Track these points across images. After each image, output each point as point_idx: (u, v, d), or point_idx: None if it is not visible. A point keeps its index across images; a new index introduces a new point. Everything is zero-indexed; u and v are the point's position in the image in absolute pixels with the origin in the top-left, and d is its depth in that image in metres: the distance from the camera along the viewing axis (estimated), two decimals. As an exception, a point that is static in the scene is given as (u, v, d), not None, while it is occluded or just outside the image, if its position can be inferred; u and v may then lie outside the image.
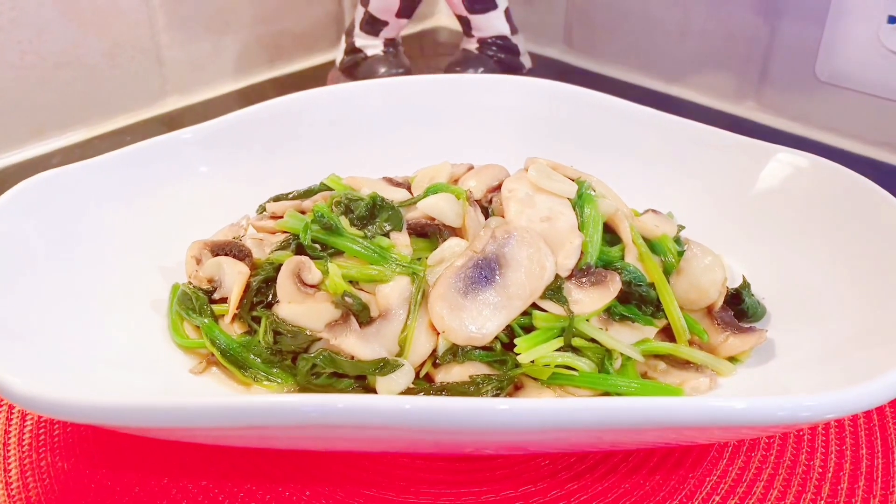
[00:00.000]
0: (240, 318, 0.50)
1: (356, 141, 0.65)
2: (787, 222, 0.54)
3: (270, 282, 0.49)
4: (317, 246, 0.49)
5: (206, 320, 0.50)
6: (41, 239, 0.49)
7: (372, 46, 0.85)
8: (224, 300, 0.51)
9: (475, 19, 0.84)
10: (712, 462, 0.46)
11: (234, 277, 0.50)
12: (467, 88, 0.68)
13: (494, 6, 0.83)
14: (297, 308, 0.47)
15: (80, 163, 0.54)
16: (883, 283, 0.47)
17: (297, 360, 0.47)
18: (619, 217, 0.51)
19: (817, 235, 0.52)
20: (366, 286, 0.48)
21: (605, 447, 0.45)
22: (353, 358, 0.45)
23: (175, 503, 0.44)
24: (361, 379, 0.46)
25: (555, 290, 0.47)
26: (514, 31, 0.85)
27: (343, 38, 0.87)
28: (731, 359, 0.49)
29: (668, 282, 0.49)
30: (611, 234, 0.51)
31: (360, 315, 0.46)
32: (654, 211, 0.55)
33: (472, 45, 0.85)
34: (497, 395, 0.45)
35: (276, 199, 0.58)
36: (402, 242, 0.49)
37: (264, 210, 0.58)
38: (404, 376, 0.45)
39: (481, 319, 0.45)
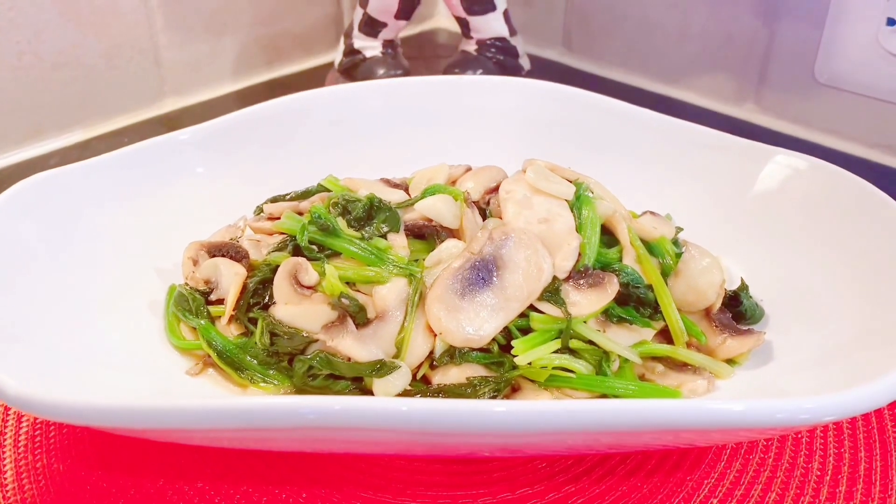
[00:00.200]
0: (236, 319, 0.50)
1: (354, 142, 0.65)
2: (786, 224, 0.54)
3: (267, 283, 0.49)
4: (314, 247, 0.49)
5: (202, 322, 0.49)
6: (38, 239, 0.49)
7: (371, 48, 0.85)
8: (221, 301, 0.51)
9: (474, 21, 0.84)
10: (710, 464, 0.46)
11: (230, 279, 0.50)
12: (466, 90, 0.68)
13: (493, 8, 0.83)
14: (294, 309, 0.47)
15: (78, 163, 0.54)
16: (881, 285, 0.46)
17: (293, 362, 0.47)
18: (617, 219, 0.51)
19: (816, 237, 0.52)
20: (363, 288, 0.48)
21: (602, 449, 0.45)
22: (349, 360, 0.45)
23: (171, 505, 0.44)
24: (358, 381, 0.46)
25: (552, 292, 0.46)
26: (512, 32, 0.85)
27: (342, 39, 0.87)
28: (730, 361, 0.48)
29: (666, 284, 0.49)
30: (608, 236, 0.51)
31: (357, 317, 0.46)
32: (652, 213, 0.55)
33: (470, 47, 0.85)
34: (494, 397, 0.45)
35: (274, 200, 0.58)
36: (399, 244, 0.49)
37: (261, 211, 0.57)
38: (401, 378, 0.45)
39: (478, 321, 0.45)
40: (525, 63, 0.87)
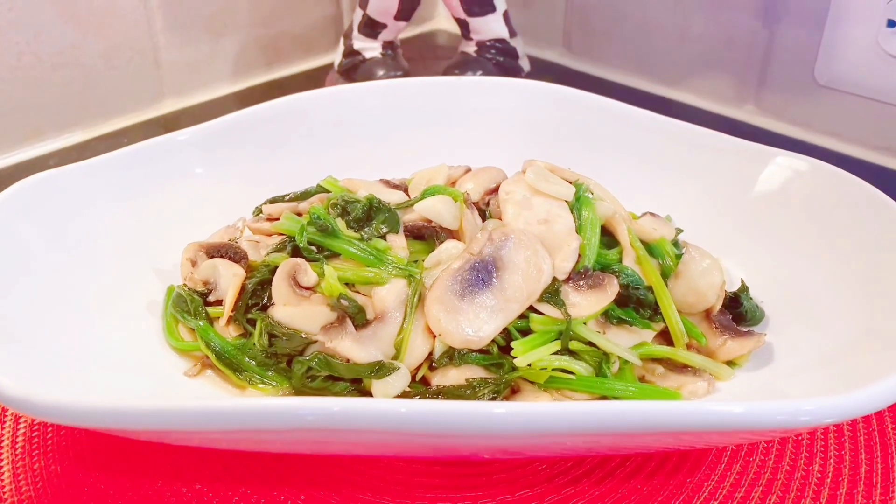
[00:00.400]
0: (235, 320, 0.50)
1: (353, 143, 0.65)
2: (786, 226, 0.54)
3: (266, 284, 0.49)
4: (313, 248, 0.49)
5: (200, 323, 0.49)
6: (36, 240, 0.49)
7: (370, 49, 0.85)
8: (219, 302, 0.51)
9: (473, 22, 0.84)
10: (710, 466, 0.46)
11: (229, 279, 0.50)
12: (465, 91, 0.68)
13: (493, 9, 0.83)
14: (293, 310, 0.47)
15: (76, 164, 0.54)
16: (882, 287, 0.46)
17: (292, 363, 0.47)
18: (617, 220, 0.50)
19: (816, 239, 0.52)
20: (362, 289, 0.48)
21: (602, 451, 0.45)
22: (348, 361, 0.45)
23: (169, 507, 0.44)
24: (357, 382, 0.46)
25: (552, 293, 0.46)
26: (512, 34, 0.85)
27: (341, 40, 0.87)
28: (730, 363, 0.48)
29: (666, 285, 0.49)
30: (608, 237, 0.51)
31: (356, 318, 0.46)
32: (652, 214, 0.55)
33: (470, 48, 0.85)
34: (494, 399, 0.44)
35: (273, 200, 0.58)
36: (398, 245, 0.49)
37: (260, 212, 0.57)
38: (400, 379, 0.45)
39: (478, 322, 0.45)
40: (525, 64, 0.87)
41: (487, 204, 0.53)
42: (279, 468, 0.46)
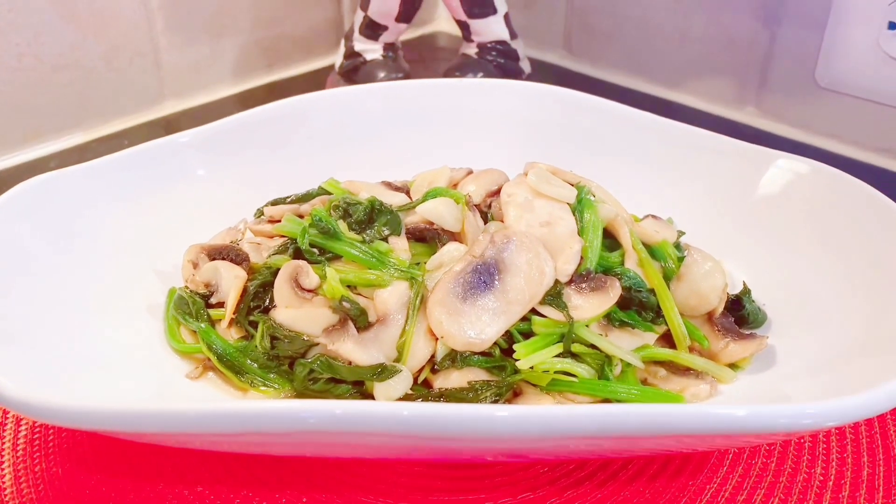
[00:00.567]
0: (237, 322, 0.50)
1: (355, 145, 0.65)
2: (788, 228, 0.54)
3: (268, 286, 0.49)
4: (315, 250, 0.49)
5: (202, 325, 0.49)
6: (37, 242, 0.49)
7: (371, 51, 0.85)
8: (221, 304, 0.51)
9: (474, 24, 0.84)
10: (712, 469, 0.46)
11: (231, 282, 0.50)
12: (466, 93, 0.68)
13: (494, 11, 0.83)
14: (295, 313, 0.47)
15: (77, 166, 0.54)
16: (885, 289, 0.46)
17: (294, 366, 0.47)
18: (619, 222, 0.50)
19: (818, 241, 0.52)
20: (364, 291, 0.47)
21: (604, 454, 0.45)
22: (350, 363, 0.45)
23: (170, 509, 0.44)
24: (359, 385, 0.46)
25: (554, 296, 0.46)
26: (513, 35, 0.85)
27: (342, 42, 0.87)
28: (732, 365, 0.48)
29: (668, 287, 0.49)
30: (610, 240, 0.51)
31: (358, 320, 0.46)
32: (653, 216, 0.54)
33: (471, 50, 0.85)
34: (496, 402, 0.44)
35: (274, 202, 0.58)
36: (400, 247, 0.49)
37: (262, 214, 0.57)
38: (402, 382, 0.45)
39: (480, 325, 0.45)
40: (526, 66, 0.87)
41: (489, 206, 0.53)
42: (281, 471, 0.46)
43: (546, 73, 0.97)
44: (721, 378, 0.47)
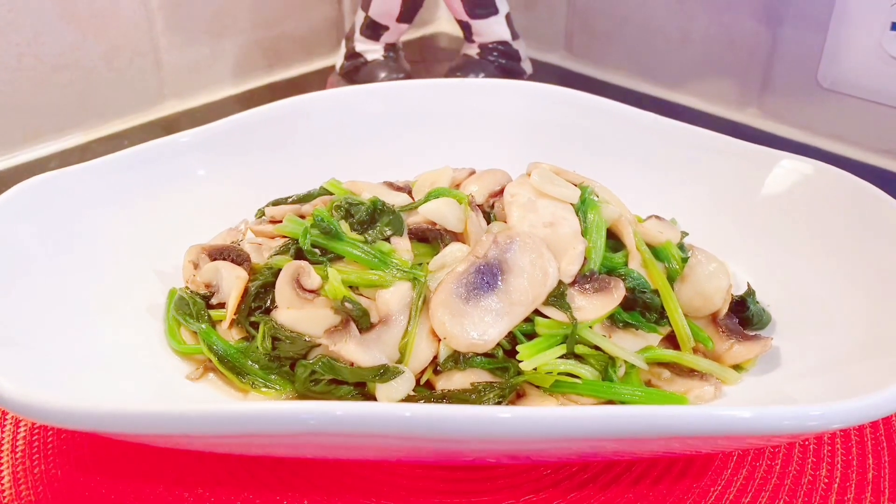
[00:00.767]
0: (238, 323, 0.49)
1: (357, 145, 0.65)
2: (793, 229, 0.54)
3: (269, 287, 0.49)
4: (316, 251, 0.49)
5: (203, 326, 0.49)
6: (37, 242, 0.49)
7: (372, 51, 0.85)
8: (222, 305, 0.50)
9: (476, 24, 0.83)
10: (716, 471, 0.46)
11: (231, 282, 0.50)
12: (469, 93, 0.68)
13: (495, 11, 0.83)
14: (296, 313, 0.46)
15: (77, 165, 0.53)
16: (891, 290, 0.46)
17: (295, 367, 0.46)
18: (623, 223, 0.50)
19: (823, 242, 0.52)
20: (366, 292, 0.47)
21: (608, 456, 0.44)
22: (352, 364, 0.45)
23: (170, 512, 0.43)
24: (361, 386, 0.45)
25: (558, 297, 0.46)
26: (515, 36, 0.85)
27: (343, 42, 0.87)
28: (737, 367, 0.48)
29: (673, 288, 0.49)
30: (614, 241, 0.51)
31: (360, 321, 0.46)
32: (657, 217, 0.54)
33: (472, 51, 0.85)
34: (499, 403, 0.44)
35: (276, 203, 0.58)
36: (402, 247, 0.49)
37: (263, 214, 0.57)
38: (405, 383, 0.44)
39: (483, 326, 0.44)
40: (527, 67, 0.86)
41: (492, 206, 0.53)
42: (282, 472, 0.45)
43: (547, 73, 0.96)
44: (725, 380, 0.47)
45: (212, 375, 0.48)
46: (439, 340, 0.45)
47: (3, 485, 0.45)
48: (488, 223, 0.51)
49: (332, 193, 0.55)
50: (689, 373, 0.47)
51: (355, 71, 0.85)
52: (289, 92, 0.66)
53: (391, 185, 0.56)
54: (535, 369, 0.44)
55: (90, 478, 0.45)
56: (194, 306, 0.50)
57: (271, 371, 0.47)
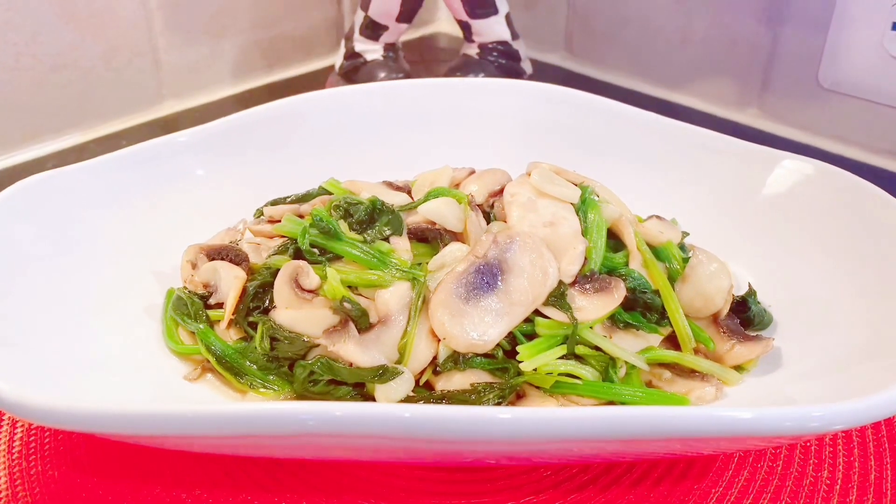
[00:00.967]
0: (236, 323, 0.49)
1: (356, 144, 0.65)
2: (794, 229, 0.53)
3: (267, 287, 0.48)
4: (315, 250, 0.48)
5: (201, 326, 0.49)
6: (34, 242, 0.49)
7: (372, 51, 0.85)
8: (220, 305, 0.50)
9: (476, 24, 0.83)
10: (717, 473, 0.45)
11: (230, 282, 0.49)
12: (467, 93, 0.67)
13: (495, 11, 0.83)
14: (295, 314, 0.46)
15: (74, 165, 0.53)
16: (893, 291, 0.46)
17: (294, 367, 0.46)
18: (624, 223, 0.50)
19: (825, 242, 0.51)
20: (365, 292, 0.47)
21: (608, 457, 0.44)
22: (351, 365, 0.44)
23: (168, 513, 0.43)
24: (360, 387, 0.45)
25: (558, 297, 0.46)
26: (514, 36, 0.84)
27: (342, 42, 0.87)
28: (738, 367, 0.48)
29: (673, 289, 0.49)
30: (615, 241, 0.50)
31: (359, 321, 0.46)
32: (658, 217, 0.54)
33: (472, 51, 0.85)
34: (499, 404, 0.44)
35: (274, 202, 0.57)
36: (402, 247, 0.48)
37: (262, 214, 0.57)
38: (404, 384, 0.44)
39: (483, 326, 0.44)
40: (527, 67, 0.86)
41: (492, 206, 0.53)
42: (280, 474, 0.45)
43: (547, 74, 0.96)
44: (727, 380, 0.47)
45: (210, 376, 0.48)
46: (439, 341, 0.45)
47: (-1, 486, 0.44)
48: (488, 223, 0.51)
49: (330, 193, 0.55)
50: (690, 373, 0.47)
51: (355, 71, 0.85)
52: (288, 92, 0.66)
53: (390, 185, 0.56)
54: (535, 370, 0.44)
55: (87, 479, 0.45)
56: (192, 306, 0.50)
57: (270, 371, 0.47)
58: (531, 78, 0.85)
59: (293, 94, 0.64)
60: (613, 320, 0.47)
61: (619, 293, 0.46)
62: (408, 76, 0.85)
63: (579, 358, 0.45)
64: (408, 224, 0.50)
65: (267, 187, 0.59)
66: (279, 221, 0.52)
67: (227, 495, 0.44)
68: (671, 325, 0.48)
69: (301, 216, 0.52)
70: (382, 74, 0.83)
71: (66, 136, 0.81)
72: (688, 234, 0.54)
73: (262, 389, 0.46)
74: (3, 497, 0.44)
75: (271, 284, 0.48)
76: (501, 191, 0.52)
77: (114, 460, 0.46)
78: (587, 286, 0.47)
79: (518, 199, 0.50)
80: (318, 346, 0.46)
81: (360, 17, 0.84)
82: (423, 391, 0.46)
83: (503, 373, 0.45)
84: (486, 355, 0.45)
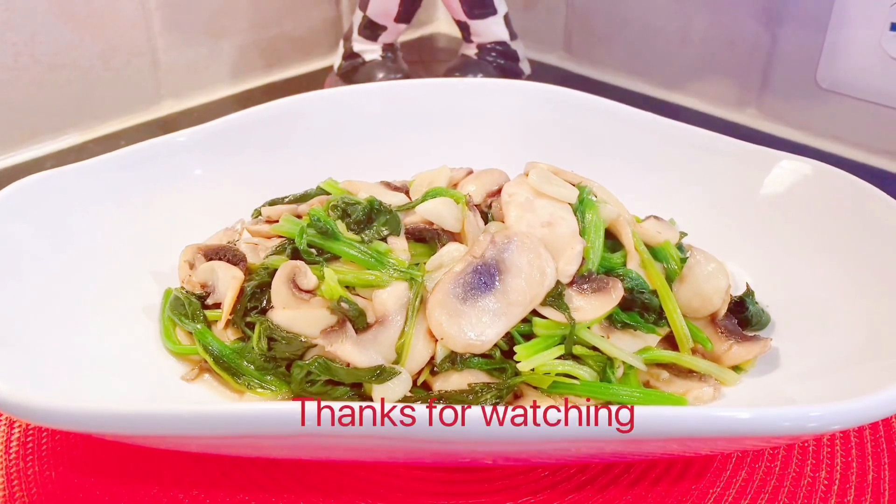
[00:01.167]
0: (233, 323, 0.49)
1: (354, 144, 0.65)
2: (792, 229, 0.53)
3: (265, 287, 0.48)
4: (313, 251, 0.48)
5: (198, 326, 0.49)
6: (32, 241, 0.49)
7: (370, 51, 0.85)
8: (217, 306, 0.50)
9: (474, 24, 0.83)
10: (715, 473, 0.45)
11: (227, 282, 0.49)
12: (466, 93, 0.67)
13: (494, 11, 0.83)
14: (292, 314, 0.46)
15: (72, 165, 0.53)
16: (890, 291, 0.46)
17: (291, 368, 0.46)
18: (621, 223, 0.50)
19: (822, 242, 0.51)
20: (362, 292, 0.47)
21: (606, 458, 0.44)
22: (348, 365, 0.44)
23: (165, 513, 0.43)
24: (357, 387, 0.45)
25: (555, 297, 0.46)
26: (513, 36, 0.84)
27: (341, 42, 0.87)
28: (736, 368, 0.48)
29: (671, 289, 0.49)
30: (612, 241, 0.50)
31: (357, 321, 0.46)
32: (656, 217, 0.54)
33: (471, 51, 0.85)
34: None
35: (272, 203, 0.57)
36: (399, 247, 0.48)
37: (259, 214, 0.57)
38: (401, 384, 0.44)
39: (480, 326, 0.44)
40: (525, 67, 0.86)
41: (489, 206, 0.53)
42: (278, 474, 0.45)
43: (546, 74, 0.96)
44: (724, 380, 0.47)
45: (207, 376, 0.48)
46: (436, 341, 0.45)
47: (-4, 486, 0.44)
48: (486, 223, 0.51)
49: (328, 193, 0.55)
50: (688, 374, 0.47)
51: (353, 71, 0.85)
52: (287, 92, 0.66)
53: (388, 185, 0.56)
54: (532, 370, 0.44)
55: (84, 479, 0.45)
56: (190, 306, 0.50)
57: (267, 372, 0.47)
58: (530, 78, 0.85)
59: (292, 94, 0.64)
60: (611, 320, 0.47)
61: (616, 293, 0.46)
62: (406, 76, 0.85)
63: (577, 358, 0.45)
64: (405, 224, 0.50)
65: (265, 187, 0.59)
66: (277, 221, 0.52)
67: (225, 495, 0.44)
68: (669, 326, 0.48)
69: (299, 216, 0.52)
70: (381, 75, 0.83)
71: (64, 136, 0.81)
72: (686, 234, 0.54)
73: (259, 390, 0.46)
74: (1, 498, 0.44)
75: (269, 284, 0.48)
76: (499, 191, 0.52)
77: (111, 460, 0.46)
78: (585, 286, 0.47)
79: (516, 199, 0.50)
80: (315, 346, 0.46)
81: (358, 17, 0.84)
82: (421, 391, 0.45)
83: (501, 373, 0.45)
84: (483, 355, 0.45)
